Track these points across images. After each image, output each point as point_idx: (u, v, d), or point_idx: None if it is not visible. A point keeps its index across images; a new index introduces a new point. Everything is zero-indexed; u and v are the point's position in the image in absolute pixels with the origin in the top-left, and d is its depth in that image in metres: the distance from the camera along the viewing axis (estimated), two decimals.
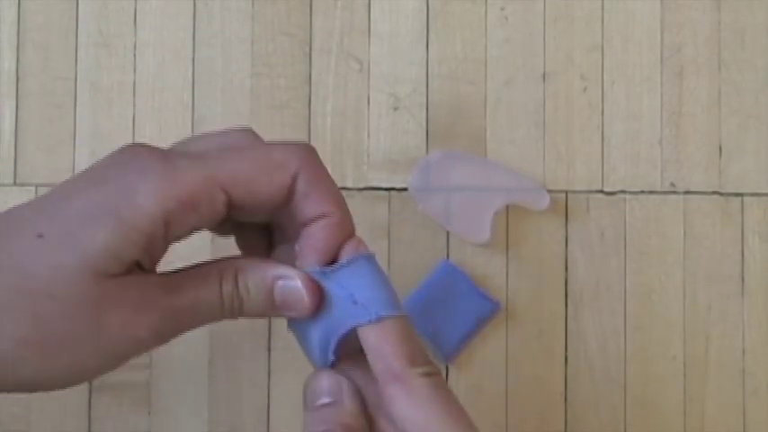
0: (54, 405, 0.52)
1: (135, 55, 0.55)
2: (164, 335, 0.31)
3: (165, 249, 0.31)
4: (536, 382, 0.53)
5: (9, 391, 0.28)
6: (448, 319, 0.52)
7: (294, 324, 0.34)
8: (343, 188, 0.54)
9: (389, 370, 0.31)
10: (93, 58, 0.55)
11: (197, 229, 0.31)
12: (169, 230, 0.30)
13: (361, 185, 0.54)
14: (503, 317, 0.53)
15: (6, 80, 0.55)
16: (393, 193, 0.54)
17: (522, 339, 0.53)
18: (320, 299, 0.32)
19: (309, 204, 0.32)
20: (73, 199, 0.29)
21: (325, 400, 0.32)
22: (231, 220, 0.33)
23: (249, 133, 0.33)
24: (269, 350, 0.53)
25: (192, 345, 0.53)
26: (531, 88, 0.55)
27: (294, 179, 0.32)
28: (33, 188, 0.55)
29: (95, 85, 0.55)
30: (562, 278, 0.54)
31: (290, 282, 0.32)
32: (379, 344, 0.32)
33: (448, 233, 0.54)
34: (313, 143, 0.55)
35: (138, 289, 0.29)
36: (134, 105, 0.55)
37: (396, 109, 0.55)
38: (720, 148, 0.55)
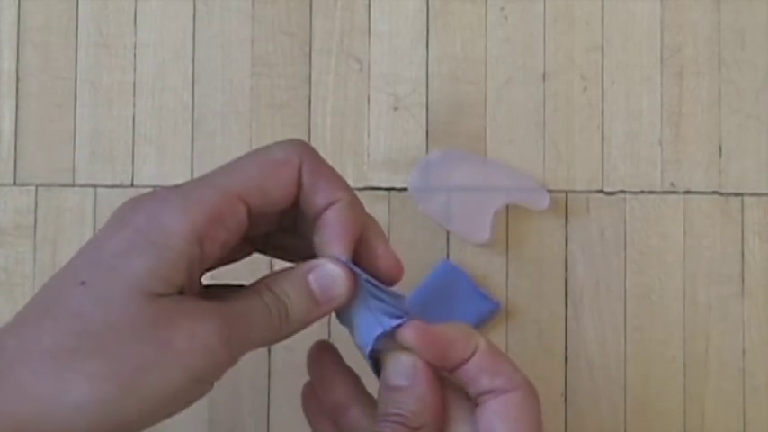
0: None
1: (135, 55, 0.55)
2: (232, 344, 0.29)
3: (202, 273, 0.31)
4: (536, 382, 0.53)
5: None
6: (448, 319, 0.52)
7: (343, 317, 0.35)
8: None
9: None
10: (93, 58, 0.55)
11: (226, 246, 0.31)
12: (203, 249, 0.30)
13: (361, 185, 0.54)
14: (503, 317, 0.53)
15: (6, 80, 0.55)
16: (393, 193, 0.54)
17: (522, 339, 0.53)
18: (354, 279, 0.32)
19: (318, 194, 0.32)
20: (104, 246, 0.29)
21: (401, 382, 0.32)
22: (249, 240, 0.34)
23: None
24: (269, 350, 0.53)
25: None
26: (531, 88, 0.55)
27: (299, 173, 0.32)
28: (33, 188, 0.55)
29: (95, 85, 0.55)
30: (562, 278, 0.54)
31: (321, 269, 0.32)
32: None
33: (448, 233, 0.54)
34: (313, 143, 0.55)
35: (192, 301, 0.29)
36: (134, 105, 0.55)
37: (396, 109, 0.55)
38: (720, 148, 0.55)
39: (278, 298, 0.32)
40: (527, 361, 0.53)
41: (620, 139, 0.55)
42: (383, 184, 0.54)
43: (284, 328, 0.32)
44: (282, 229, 0.35)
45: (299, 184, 0.32)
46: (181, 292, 0.29)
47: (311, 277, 0.32)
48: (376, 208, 0.54)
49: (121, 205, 0.31)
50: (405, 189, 0.54)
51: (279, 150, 0.32)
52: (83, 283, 0.28)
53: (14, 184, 0.55)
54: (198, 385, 0.29)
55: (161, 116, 0.55)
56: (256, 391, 0.53)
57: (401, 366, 0.32)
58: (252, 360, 0.53)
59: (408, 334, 0.32)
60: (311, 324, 0.33)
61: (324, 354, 0.36)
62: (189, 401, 0.29)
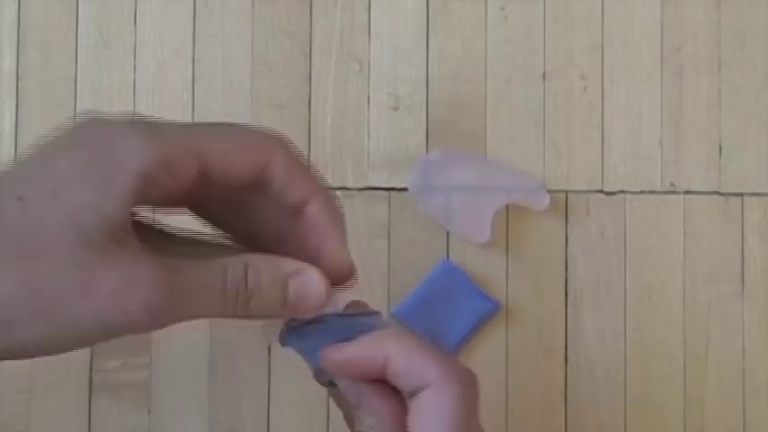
0: (54, 404, 0.52)
1: (135, 55, 0.55)
2: (155, 315, 0.28)
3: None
4: (536, 382, 0.53)
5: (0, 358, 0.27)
6: (448, 319, 0.52)
7: (293, 337, 0.34)
8: (343, 188, 0.54)
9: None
10: (93, 58, 0.55)
11: (171, 196, 0.30)
12: (148, 190, 0.29)
13: (361, 185, 0.54)
14: (503, 317, 0.53)
15: (6, 80, 0.55)
16: (393, 193, 0.54)
17: (522, 339, 0.53)
18: (329, 296, 0.32)
19: (293, 187, 0.32)
20: (52, 163, 0.28)
21: (353, 399, 0.33)
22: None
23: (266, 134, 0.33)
24: (269, 350, 0.53)
25: (192, 345, 0.53)
26: (531, 88, 0.55)
27: (269, 161, 0.31)
28: None
29: (95, 85, 0.55)
30: (562, 278, 0.54)
31: (306, 277, 0.31)
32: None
33: (448, 233, 0.54)
34: (313, 143, 0.55)
35: (132, 260, 0.28)
36: (134, 105, 0.55)
37: (396, 109, 0.55)
38: (720, 148, 0.55)
39: (244, 280, 0.30)
40: (527, 361, 0.53)
41: (620, 139, 0.55)
42: (383, 184, 0.54)
43: (237, 311, 0.31)
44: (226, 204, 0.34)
45: (269, 174, 0.31)
46: (126, 231, 0.28)
47: (292, 281, 0.31)
48: (376, 208, 0.54)
49: (85, 121, 0.30)
50: (405, 189, 0.54)
51: (260, 134, 0.32)
52: (20, 198, 0.27)
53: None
54: (109, 336, 0.28)
55: (161, 116, 0.55)
56: (256, 391, 0.53)
57: (346, 384, 0.33)
58: (252, 360, 0.53)
59: (324, 358, 0.32)
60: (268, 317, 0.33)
61: None
62: (97, 342, 0.29)
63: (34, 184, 0.28)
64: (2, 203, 0.27)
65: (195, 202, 0.33)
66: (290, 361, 0.53)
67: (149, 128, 0.29)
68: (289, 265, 0.32)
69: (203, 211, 0.34)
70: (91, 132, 0.29)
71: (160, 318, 0.28)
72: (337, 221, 0.33)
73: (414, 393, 0.31)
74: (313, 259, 0.32)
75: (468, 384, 0.32)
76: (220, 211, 0.34)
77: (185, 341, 0.53)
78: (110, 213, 0.27)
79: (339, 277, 0.33)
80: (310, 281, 0.31)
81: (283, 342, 0.34)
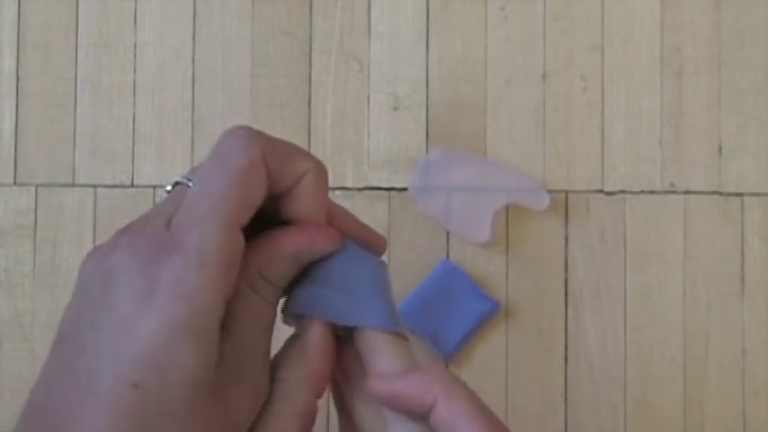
0: None
1: (135, 55, 0.55)
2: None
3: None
4: (536, 382, 0.53)
5: None
6: (448, 319, 0.52)
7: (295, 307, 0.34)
8: (344, 188, 0.54)
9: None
10: (93, 58, 0.55)
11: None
12: (226, 300, 0.29)
13: (361, 185, 0.54)
14: (503, 317, 0.53)
15: (6, 80, 0.55)
16: (393, 193, 0.54)
17: (522, 339, 0.53)
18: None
19: (286, 176, 0.31)
20: (138, 329, 0.27)
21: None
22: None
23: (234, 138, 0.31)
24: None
25: None
26: (531, 88, 0.55)
27: (265, 167, 0.30)
28: (33, 188, 0.55)
29: (95, 85, 0.55)
30: (562, 278, 0.54)
31: (312, 247, 0.32)
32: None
33: (448, 233, 0.54)
34: (313, 143, 0.55)
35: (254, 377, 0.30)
36: (134, 105, 0.55)
37: (396, 109, 0.55)
38: (720, 148, 0.55)
39: (263, 277, 0.31)
40: (527, 361, 0.53)
41: (620, 139, 0.55)
42: (383, 184, 0.54)
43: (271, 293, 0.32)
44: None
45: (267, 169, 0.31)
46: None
47: (304, 254, 0.31)
48: (376, 208, 0.54)
49: (125, 253, 0.28)
50: (405, 189, 0.54)
51: (239, 154, 0.30)
52: (136, 386, 0.27)
53: (14, 183, 0.55)
54: None
55: (161, 116, 0.55)
56: None
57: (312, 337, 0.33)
58: None
59: (370, 386, 0.31)
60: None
61: None
62: None
63: (139, 365, 0.27)
64: (119, 392, 0.27)
65: None
66: None
67: (200, 249, 0.28)
68: (290, 239, 0.32)
69: None
70: (154, 275, 0.28)
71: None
72: (322, 186, 0.33)
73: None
74: (293, 215, 0.32)
75: None
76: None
77: None
78: (212, 359, 0.28)
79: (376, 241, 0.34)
80: (314, 244, 0.32)
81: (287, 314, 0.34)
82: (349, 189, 0.54)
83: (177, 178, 0.30)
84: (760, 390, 0.54)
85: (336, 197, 0.53)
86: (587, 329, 0.54)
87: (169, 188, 0.30)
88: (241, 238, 0.29)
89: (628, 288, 0.54)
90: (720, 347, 0.54)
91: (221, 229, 0.28)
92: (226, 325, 0.29)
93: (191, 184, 0.29)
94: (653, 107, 0.55)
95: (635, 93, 0.55)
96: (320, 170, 0.32)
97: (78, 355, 0.27)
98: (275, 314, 0.32)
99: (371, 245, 0.35)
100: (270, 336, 0.32)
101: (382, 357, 0.32)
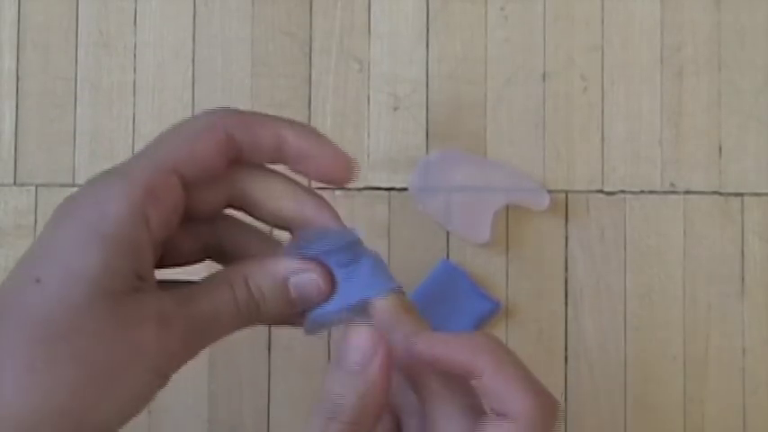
0: None
1: (135, 55, 0.55)
2: (192, 347, 0.30)
3: (156, 254, 0.31)
4: None
5: None
6: (448, 319, 0.52)
7: (311, 322, 0.33)
8: (343, 188, 0.54)
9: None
10: (93, 58, 0.55)
11: (169, 224, 0.31)
12: (150, 228, 0.30)
13: (361, 185, 0.54)
14: (503, 317, 0.53)
15: (6, 80, 0.55)
16: (393, 193, 0.54)
17: (522, 339, 0.53)
18: (331, 281, 0.32)
19: (261, 141, 0.32)
20: (55, 240, 0.29)
21: (355, 361, 0.31)
22: (195, 233, 0.33)
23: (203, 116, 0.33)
24: (269, 350, 0.53)
25: None
26: (531, 88, 0.55)
27: (229, 136, 0.31)
28: (33, 188, 0.55)
29: (95, 85, 0.55)
30: (562, 278, 0.54)
31: (304, 275, 0.32)
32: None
33: (448, 233, 0.54)
34: None
35: (156, 304, 0.29)
36: (134, 105, 0.55)
37: (396, 109, 0.55)
38: (720, 148, 0.55)
39: (252, 295, 0.31)
40: (527, 361, 0.53)
41: (620, 139, 0.55)
42: (383, 184, 0.54)
43: (252, 322, 0.32)
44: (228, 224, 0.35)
45: (236, 146, 0.32)
46: (140, 278, 0.29)
47: (293, 280, 0.32)
48: (376, 208, 0.54)
49: (63, 201, 0.31)
50: (405, 189, 0.54)
51: (201, 118, 0.32)
52: (38, 280, 0.28)
53: (14, 184, 0.55)
54: (161, 382, 0.30)
55: (161, 116, 0.55)
56: (256, 391, 0.53)
57: (358, 343, 0.31)
58: (252, 360, 0.53)
59: (412, 347, 0.31)
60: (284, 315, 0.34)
61: None
62: (152, 398, 0.30)
63: (47, 263, 0.29)
64: (21, 289, 0.28)
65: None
66: (290, 361, 0.53)
67: (119, 173, 0.30)
68: (285, 266, 0.32)
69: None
70: (78, 203, 0.30)
71: (196, 349, 0.30)
72: (316, 135, 0.33)
73: (496, 413, 0.31)
74: (313, 172, 0.33)
75: (551, 419, 0.31)
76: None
77: None
78: (123, 268, 0.29)
79: (344, 173, 0.33)
80: (307, 279, 0.32)
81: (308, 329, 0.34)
82: (349, 189, 0.54)
83: None
84: (760, 390, 0.54)
85: (336, 197, 0.53)
86: (587, 329, 0.54)
87: None
88: (174, 180, 0.30)
89: (628, 288, 0.54)
90: (720, 347, 0.54)
91: (151, 167, 0.30)
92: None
93: None
94: (653, 107, 0.55)
95: (635, 93, 0.55)
96: (298, 125, 0.32)
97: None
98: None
99: (330, 174, 0.33)
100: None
101: (408, 322, 0.32)
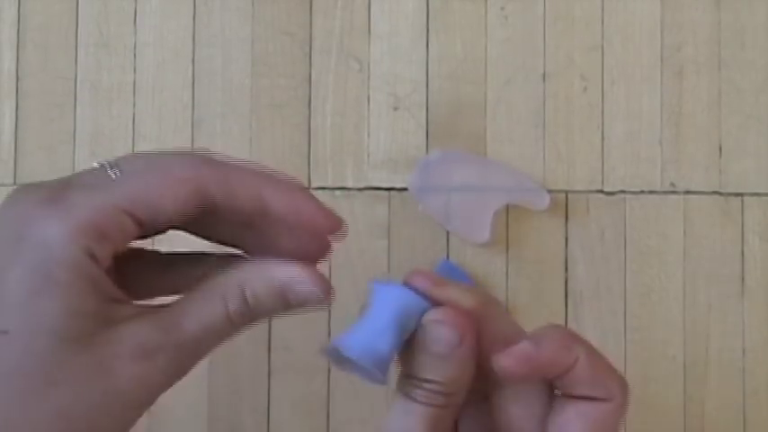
0: None
1: (135, 55, 0.55)
2: (179, 372, 0.29)
3: (112, 276, 0.30)
4: None
5: None
6: None
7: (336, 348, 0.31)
8: (343, 188, 0.54)
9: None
10: (93, 58, 0.55)
11: (117, 252, 0.30)
12: (100, 263, 0.29)
13: (361, 185, 0.54)
14: None
15: (6, 80, 0.55)
16: (393, 193, 0.54)
17: None
18: (329, 286, 0.31)
19: (239, 200, 0.30)
20: (8, 281, 0.28)
21: (444, 350, 0.30)
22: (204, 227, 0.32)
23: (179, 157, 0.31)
24: (269, 350, 0.53)
25: None
26: (531, 88, 0.55)
27: (197, 187, 0.30)
28: None
29: (95, 85, 0.55)
30: (562, 278, 0.54)
31: (301, 280, 0.30)
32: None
33: (448, 233, 0.54)
34: (313, 143, 0.55)
35: (132, 338, 0.28)
36: (134, 105, 0.55)
37: (396, 109, 0.55)
38: (720, 148, 0.55)
39: (247, 306, 0.30)
40: None
41: (620, 139, 0.55)
42: (383, 184, 0.54)
43: (246, 326, 0.31)
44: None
45: (209, 201, 0.30)
46: (108, 309, 0.28)
47: (288, 287, 0.30)
48: (376, 208, 0.54)
49: (5, 206, 0.29)
50: (405, 189, 0.54)
51: (176, 164, 0.30)
52: (5, 332, 0.27)
53: (14, 184, 0.55)
54: (146, 410, 0.29)
55: (161, 116, 0.55)
56: (256, 391, 0.53)
57: (446, 334, 0.30)
58: (252, 360, 0.53)
59: (506, 360, 0.30)
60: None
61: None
62: (136, 421, 0.30)
63: (9, 312, 0.28)
64: None
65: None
66: (290, 361, 0.53)
67: (69, 208, 0.28)
68: (280, 270, 0.31)
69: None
70: (21, 228, 0.28)
71: (182, 373, 0.30)
72: (299, 190, 0.31)
73: (584, 399, 0.31)
74: (296, 229, 0.31)
75: (627, 407, 0.33)
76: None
77: None
78: (85, 308, 0.28)
79: (329, 231, 0.32)
80: (304, 283, 0.30)
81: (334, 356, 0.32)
82: (349, 189, 0.54)
83: (102, 161, 0.31)
84: (760, 390, 0.54)
85: (336, 197, 0.53)
86: (587, 329, 0.54)
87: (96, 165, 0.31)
88: (124, 220, 0.29)
89: (628, 288, 0.54)
90: (720, 347, 0.54)
91: (102, 205, 0.28)
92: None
93: (110, 172, 0.30)
94: (653, 107, 0.55)
95: (635, 93, 0.55)
96: (284, 184, 0.31)
97: None
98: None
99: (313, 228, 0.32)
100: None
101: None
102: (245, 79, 0.55)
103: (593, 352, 0.32)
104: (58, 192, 0.29)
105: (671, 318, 0.54)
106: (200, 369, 0.53)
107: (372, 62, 0.55)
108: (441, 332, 0.30)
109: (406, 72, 0.55)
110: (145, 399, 0.29)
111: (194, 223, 0.31)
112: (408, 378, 0.31)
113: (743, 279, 0.54)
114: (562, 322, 0.54)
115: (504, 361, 0.30)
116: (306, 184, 0.54)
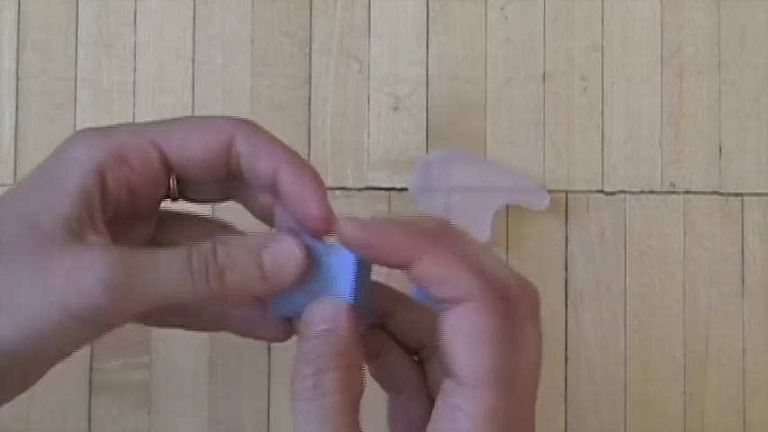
0: (54, 405, 0.52)
1: (135, 55, 0.55)
2: (115, 292, 0.27)
3: (107, 210, 0.30)
4: None
5: None
6: None
7: (278, 304, 0.32)
8: (343, 188, 0.54)
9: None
10: (93, 58, 0.55)
11: (134, 189, 0.31)
12: (105, 182, 0.30)
13: (361, 185, 0.54)
14: None
15: (6, 80, 0.55)
16: (393, 193, 0.54)
17: None
18: (308, 261, 0.30)
19: (260, 161, 0.31)
20: (23, 181, 0.31)
21: (321, 327, 0.31)
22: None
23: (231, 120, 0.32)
24: (269, 350, 0.53)
25: (191, 345, 0.53)
26: (531, 88, 0.55)
27: (231, 137, 0.31)
28: None
29: (95, 85, 0.55)
30: (562, 278, 0.54)
31: (281, 243, 0.30)
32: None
33: None
34: (313, 143, 0.55)
35: (88, 247, 0.28)
36: (134, 105, 0.55)
37: (396, 109, 0.55)
38: (720, 148, 0.55)
39: (212, 254, 0.29)
40: None
41: (620, 139, 0.55)
42: (383, 184, 0.54)
43: (214, 287, 0.29)
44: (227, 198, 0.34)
45: (235, 154, 0.31)
46: (80, 223, 0.29)
47: (266, 251, 0.30)
48: (376, 208, 0.54)
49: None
50: (405, 189, 0.54)
51: (215, 119, 0.32)
52: None
53: (14, 184, 0.55)
54: (79, 324, 0.28)
55: (161, 116, 0.55)
56: (256, 391, 0.53)
57: (321, 310, 0.31)
58: (252, 360, 0.53)
59: (348, 227, 0.29)
60: (254, 295, 0.32)
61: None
62: (75, 339, 0.29)
63: (2, 205, 0.30)
64: None
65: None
66: (290, 361, 0.53)
67: (100, 130, 0.31)
68: (260, 237, 0.30)
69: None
70: (61, 147, 0.32)
71: (121, 295, 0.28)
72: (311, 181, 0.32)
73: (445, 306, 0.29)
74: (300, 224, 0.32)
75: (512, 299, 0.29)
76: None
77: (185, 341, 0.53)
78: (62, 210, 0.29)
79: (323, 231, 0.32)
80: (284, 247, 0.30)
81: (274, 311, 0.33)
82: (349, 189, 0.54)
83: None
84: (760, 390, 0.54)
85: (336, 197, 0.53)
86: (587, 329, 0.54)
87: None
88: (153, 151, 0.31)
89: (628, 288, 0.54)
90: (720, 347, 0.54)
91: (132, 131, 0.31)
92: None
93: None
94: (653, 107, 0.55)
95: (635, 93, 0.55)
96: (297, 165, 0.32)
97: None
98: None
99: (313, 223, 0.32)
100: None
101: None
102: (245, 79, 0.55)
103: (447, 249, 0.29)
104: (108, 127, 0.32)
105: (671, 318, 0.54)
106: (201, 369, 0.53)
107: (372, 62, 0.55)
108: (318, 312, 0.31)
109: (406, 72, 0.55)
110: (74, 307, 0.27)
111: (218, 190, 0.33)
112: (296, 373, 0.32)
113: (743, 279, 0.54)
114: (562, 322, 0.54)
115: (345, 227, 0.29)
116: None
